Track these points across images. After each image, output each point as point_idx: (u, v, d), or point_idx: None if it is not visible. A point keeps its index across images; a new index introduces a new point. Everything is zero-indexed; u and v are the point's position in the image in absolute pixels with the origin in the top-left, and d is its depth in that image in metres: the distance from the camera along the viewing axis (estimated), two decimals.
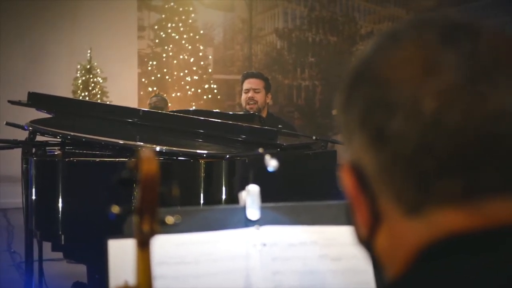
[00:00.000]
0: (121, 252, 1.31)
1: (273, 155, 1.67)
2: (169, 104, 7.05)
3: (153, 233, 1.02)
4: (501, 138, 0.67)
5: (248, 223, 1.39)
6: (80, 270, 3.91)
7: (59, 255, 3.64)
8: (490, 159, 0.67)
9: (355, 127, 0.74)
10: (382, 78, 0.72)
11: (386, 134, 0.70)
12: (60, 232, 3.23)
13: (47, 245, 3.50)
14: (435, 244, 0.69)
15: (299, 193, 3.54)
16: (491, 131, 0.67)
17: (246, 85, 4.85)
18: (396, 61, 0.72)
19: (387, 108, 0.70)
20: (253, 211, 1.39)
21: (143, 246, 1.02)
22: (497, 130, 0.67)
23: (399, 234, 0.73)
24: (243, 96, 4.87)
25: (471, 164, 0.68)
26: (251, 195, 1.38)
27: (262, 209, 1.40)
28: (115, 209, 1.04)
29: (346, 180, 0.77)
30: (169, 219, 1.06)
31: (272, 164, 1.46)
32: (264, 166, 1.62)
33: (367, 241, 0.78)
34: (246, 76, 4.91)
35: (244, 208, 1.39)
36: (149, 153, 1.01)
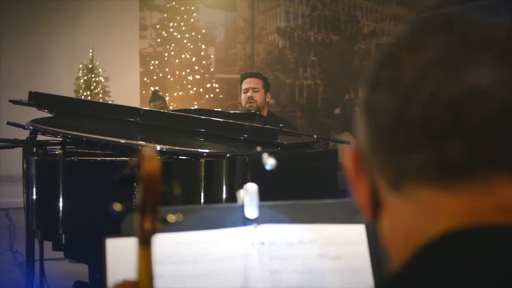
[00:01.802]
0: (118, 251, 1.30)
1: (273, 154, 1.66)
2: (173, 104, 7.08)
3: (154, 231, 1.02)
4: (471, 113, 0.68)
5: (246, 221, 1.39)
6: (81, 270, 3.91)
7: (60, 254, 3.64)
8: (458, 134, 0.68)
9: (358, 110, 0.77)
10: (380, 61, 0.75)
11: (371, 106, 0.73)
12: (60, 232, 3.23)
13: (48, 245, 3.49)
14: (431, 243, 0.69)
15: (301, 192, 3.54)
16: (461, 105, 0.67)
17: (245, 84, 4.86)
18: (394, 46, 0.75)
19: (375, 83, 0.74)
20: (251, 210, 1.39)
21: (145, 244, 1.02)
22: (468, 105, 0.67)
23: (395, 217, 0.74)
24: (243, 96, 4.88)
25: (439, 137, 0.68)
26: (249, 193, 1.38)
27: (260, 207, 1.40)
28: (117, 207, 1.04)
29: (347, 162, 0.78)
30: (171, 217, 1.06)
31: (269, 162, 1.45)
32: (263, 166, 1.62)
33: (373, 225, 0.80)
34: (245, 76, 4.93)
35: (242, 207, 1.39)
36: (151, 151, 1.02)
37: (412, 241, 0.72)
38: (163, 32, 11.20)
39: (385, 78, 0.72)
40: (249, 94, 4.81)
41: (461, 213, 0.70)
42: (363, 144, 0.76)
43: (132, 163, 1.03)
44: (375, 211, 0.77)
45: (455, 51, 0.70)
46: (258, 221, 1.39)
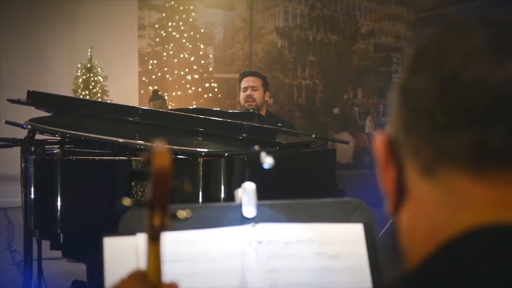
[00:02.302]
0: (116, 250, 1.30)
1: (272, 153, 1.66)
2: (171, 104, 7.07)
3: (164, 227, 1.02)
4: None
5: (244, 220, 1.39)
6: (79, 269, 3.91)
7: (58, 253, 3.64)
8: (502, 120, 0.68)
9: (393, 98, 0.78)
10: (423, 47, 0.77)
11: (408, 88, 0.74)
12: (58, 231, 3.22)
13: (46, 244, 3.49)
14: (457, 239, 0.69)
15: (299, 191, 3.54)
16: (506, 92, 0.68)
17: (244, 83, 4.85)
18: (438, 34, 0.76)
19: (412, 68, 0.75)
20: (249, 209, 1.39)
21: (154, 240, 1.02)
22: (510, 92, 0.68)
23: (420, 207, 0.73)
24: (241, 94, 4.87)
25: (481, 122, 0.68)
26: (247, 192, 1.38)
27: (258, 206, 1.40)
28: (127, 201, 1.03)
29: (378, 147, 0.79)
30: (181, 213, 1.06)
31: (267, 161, 1.45)
32: (262, 165, 1.62)
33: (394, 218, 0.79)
34: (244, 75, 4.91)
35: (240, 206, 1.39)
36: (162, 147, 1.01)
37: (437, 233, 0.71)
38: (162, 32, 11.19)
39: (427, 62, 0.73)
40: (248, 92, 4.80)
41: (493, 205, 0.69)
42: (395, 130, 0.76)
43: (144, 159, 1.02)
44: (398, 201, 0.76)
45: (499, 41, 0.71)
46: (256, 220, 1.39)
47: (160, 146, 1.01)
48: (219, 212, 1.40)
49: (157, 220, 1.01)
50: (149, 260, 1.03)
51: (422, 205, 0.73)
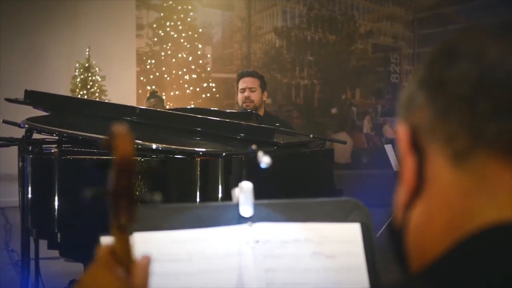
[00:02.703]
0: None
1: (269, 153, 1.66)
2: (169, 104, 7.06)
3: (130, 219, 0.94)
4: None
5: (241, 220, 1.38)
6: (76, 269, 3.90)
7: (56, 253, 3.64)
8: None
9: (416, 87, 0.77)
10: (460, 38, 0.76)
11: (445, 78, 0.73)
12: (56, 230, 3.22)
13: (43, 244, 3.49)
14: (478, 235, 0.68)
15: (297, 191, 3.54)
16: None
17: (242, 84, 4.83)
18: (476, 26, 0.76)
19: (449, 57, 0.74)
20: (246, 208, 1.38)
21: (121, 231, 0.94)
22: None
23: (442, 197, 0.73)
24: (239, 95, 4.85)
25: None
26: (244, 192, 1.38)
27: (255, 206, 1.39)
28: (88, 193, 0.95)
29: (400, 134, 0.78)
30: (147, 196, 0.97)
31: (265, 160, 1.45)
32: (259, 165, 1.61)
33: (403, 214, 0.77)
34: (241, 75, 4.89)
35: (237, 205, 1.38)
36: (123, 129, 0.91)
37: (457, 226, 0.70)
38: (160, 31, 11.19)
39: (466, 51, 0.73)
40: (246, 94, 4.79)
41: None
42: (420, 118, 0.75)
43: (104, 143, 0.92)
44: (415, 192, 0.76)
45: None
46: (253, 219, 1.39)
47: (121, 128, 0.92)
48: (216, 211, 1.40)
49: (123, 210, 0.93)
50: (118, 246, 0.95)
51: (444, 195, 0.73)
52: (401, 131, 0.78)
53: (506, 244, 0.67)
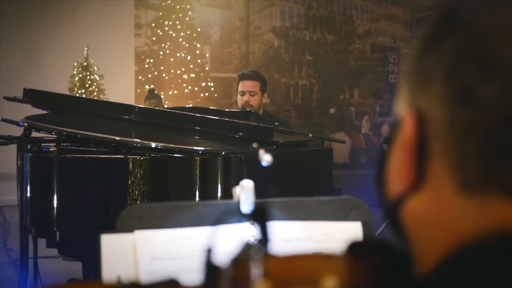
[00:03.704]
0: (113, 247, 1.30)
1: (269, 152, 1.65)
2: (167, 103, 7.06)
3: None
4: None
5: (242, 218, 1.38)
6: (75, 268, 3.90)
7: (55, 252, 3.63)
8: None
9: (436, 75, 0.66)
10: (485, 34, 0.65)
11: (475, 95, 0.63)
12: (55, 229, 3.22)
13: (42, 242, 3.48)
14: (482, 243, 0.62)
15: (295, 190, 3.54)
16: None
17: (241, 87, 4.72)
18: (504, 22, 0.65)
19: (484, 68, 0.64)
20: (247, 207, 1.38)
21: None
22: None
23: (443, 208, 0.66)
24: (239, 97, 4.76)
25: None
26: (245, 190, 1.37)
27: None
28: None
29: (407, 124, 0.69)
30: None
31: (266, 158, 1.45)
32: (259, 164, 1.61)
33: (394, 200, 0.70)
34: (242, 77, 4.77)
35: (238, 203, 1.38)
36: None
37: (455, 231, 0.64)
38: (158, 31, 11.18)
39: (499, 68, 0.63)
40: (245, 98, 4.69)
41: None
42: (435, 112, 0.66)
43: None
44: (414, 185, 0.68)
45: None
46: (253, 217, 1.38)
47: None
48: (217, 210, 1.40)
49: None
50: None
51: (446, 203, 0.66)
52: (409, 120, 0.69)
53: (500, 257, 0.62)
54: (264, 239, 0.79)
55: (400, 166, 0.70)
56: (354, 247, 0.68)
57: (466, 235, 0.64)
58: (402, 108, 0.71)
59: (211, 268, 0.71)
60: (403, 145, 0.69)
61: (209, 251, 0.71)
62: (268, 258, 0.68)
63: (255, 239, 0.78)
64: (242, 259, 0.68)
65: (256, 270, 0.66)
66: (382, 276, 0.66)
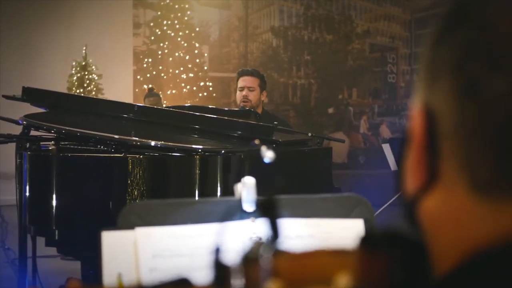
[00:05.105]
0: (114, 244, 1.29)
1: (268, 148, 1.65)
2: (165, 102, 7.06)
3: None
4: None
5: (244, 215, 1.37)
6: (74, 267, 3.90)
7: (53, 251, 3.63)
8: None
9: (445, 69, 0.64)
10: (497, 27, 0.62)
11: (483, 90, 0.61)
12: (54, 228, 3.21)
13: (41, 242, 3.47)
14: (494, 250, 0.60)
15: (295, 189, 3.53)
16: None
17: (241, 82, 4.80)
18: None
19: (493, 62, 0.61)
20: (248, 204, 1.37)
21: None
22: None
23: (457, 209, 0.63)
24: (238, 93, 4.83)
25: None
26: (246, 187, 1.37)
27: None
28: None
29: (416, 122, 0.67)
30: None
31: (268, 155, 1.44)
32: (259, 162, 1.60)
33: (411, 198, 0.68)
34: (241, 74, 4.87)
35: (239, 201, 1.38)
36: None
37: (469, 236, 0.62)
38: (157, 30, 11.17)
39: (508, 62, 0.60)
40: (244, 93, 4.76)
41: None
42: (443, 115, 0.63)
43: None
44: (427, 185, 0.66)
45: None
46: (255, 215, 1.38)
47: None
48: (218, 207, 1.39)
49: None
50: None
51: (455, 197, 0.64)
52: (419, 117, 0.67)
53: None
54: (273, 236, 0.77)
55: (413, 165, 0.68)
56: (367, 240, 0.66)
57: (481, 240, 0.61)
58: (416, 105, 0.69)
59: (220, 268, 0.70)
60: (415, 143, 0.68)
61: (217, 250, 0.70)
62: (278, 257, 0.67)
63: (264, 236, 0.77)
64: (252, 258, 0.67)
65: (266, 270, 0.65)
66: (398, 269, 0.65)
